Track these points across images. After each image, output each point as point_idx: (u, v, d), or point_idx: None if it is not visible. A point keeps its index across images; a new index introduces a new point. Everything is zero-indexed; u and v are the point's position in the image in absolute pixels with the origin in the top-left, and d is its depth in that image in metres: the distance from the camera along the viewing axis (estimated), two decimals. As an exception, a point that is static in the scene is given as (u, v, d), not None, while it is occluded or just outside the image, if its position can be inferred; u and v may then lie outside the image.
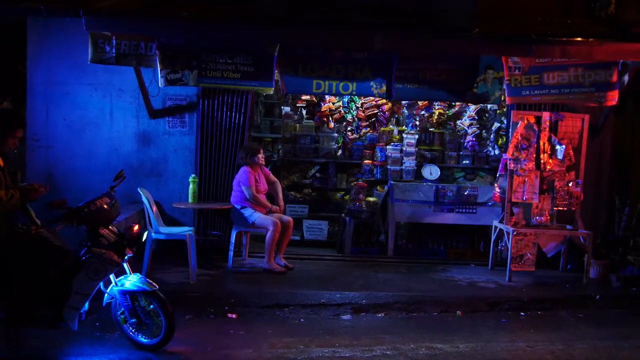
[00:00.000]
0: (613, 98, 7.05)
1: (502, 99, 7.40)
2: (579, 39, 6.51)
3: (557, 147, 7.27)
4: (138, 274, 5.00)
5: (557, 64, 6.95)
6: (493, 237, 7.70)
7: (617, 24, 7.26)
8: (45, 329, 4.87)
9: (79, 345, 5.08)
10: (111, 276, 4.92)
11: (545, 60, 6.93)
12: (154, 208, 6.93)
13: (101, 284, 4.91)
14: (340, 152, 9.00)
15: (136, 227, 5.21)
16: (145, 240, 6.77)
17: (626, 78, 7.17)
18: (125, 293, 4.91)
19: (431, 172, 8.53)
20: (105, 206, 4.91)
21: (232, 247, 7.28)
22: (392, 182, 8.30)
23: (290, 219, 7.46)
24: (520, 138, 7.27)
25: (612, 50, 6.57)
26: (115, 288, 4.94)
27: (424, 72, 7.04)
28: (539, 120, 7.28)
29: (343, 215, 8.35)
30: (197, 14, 6.39)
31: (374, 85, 7.07)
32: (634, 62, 6.91)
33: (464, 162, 8.81)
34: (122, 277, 4.97)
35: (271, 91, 7.07)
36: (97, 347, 5.07)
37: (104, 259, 4.79)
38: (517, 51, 6.56)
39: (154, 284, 4.91)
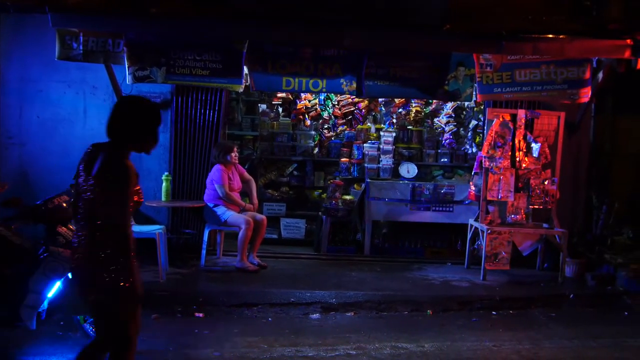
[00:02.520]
0: (586, 95, 7.01)
1: (474, 96, 7.34)
2: (550, 35, 6.44)
3: (533, 145, 7.21)
4: (97, 272, 4.94)
5: (528, 61, 6.90)
6: (469, 236, 7.65)
7: (597, 21, 7.20)
8: (2, 328, 4.82)
9: (39, 344, 5.02)
10: (70, 275, 4.87)
11: (516, 57, 6.89)
12: (125, 206, 6.86)
13: (61, 282, 4.87)
14: (317, 150, 8.95)
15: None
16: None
17: (600, 75, 7.11)
18: (83, 292, 4.86)
19: (408, 170, 8.48)
20: (64, 204, 4.86)
21: (204, 246, 7.23)
22: (368, 180, 8.25)
23: (263, 217, 7.41)
24: (495, 136, 7.21)
25: (584, 47, 6.52)
26: (73, 287, 4.89)
27: (395, 70, 6.98)
28: (514, 118, 7.23)
29: (320, 213, 8.31)
30: (165, 11, 6.33)
31: (344, 83, 7.00)
32: (607, 58, 6.86)
33: (442, 160, 8.76)
34: (81, 275, 4.92)
35: (240, 88, 7.01)
36: (57, 347, 5.02)
37: (61, 258, 4.73)
38: (488, 48, 6.51)
39: (112, 282, 4.85)
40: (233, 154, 7.21)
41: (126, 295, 3.28)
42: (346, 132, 8.98)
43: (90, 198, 3.28)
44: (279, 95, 8.56)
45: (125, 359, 3.39)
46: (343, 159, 8.76)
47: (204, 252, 7.24)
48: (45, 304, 4.84)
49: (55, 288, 4.83)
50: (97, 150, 3.40)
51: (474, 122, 8.63)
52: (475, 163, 7.53)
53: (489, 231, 7.07)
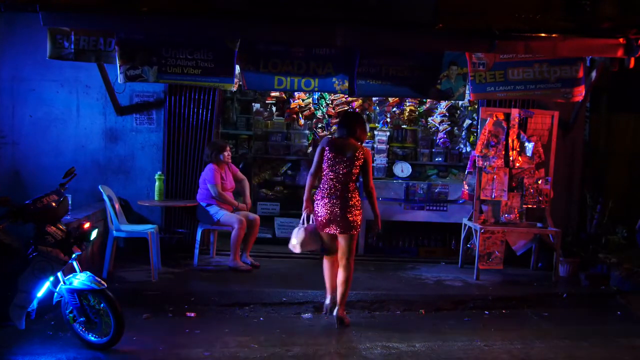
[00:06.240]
0: (579, 94, 6.97)
1: (467, 95, 7.30)
2: (543, 34, 6.42)
3: (526, 144, 7.19)
4: (87, 272, 4.92)
5: (521, 59, 6.86)
6: (462, 235, 7.64)
7: (590, 20, 7.18)
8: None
9: (29, 344, 5.00)
10: (59, 274, 4.85)
11: (509, 56, 6.84)
12: (117, 205, 6.86)
13: (51, 282, 4.86)
14: (311, 149, 8.92)
15: (86, 225, 5.13)
16: (106, 238, 6.73)
17: (594, 74, 7.09)
18: (73, 292, 4.84)
19: (403, 169, 8.45)
20: (53, 204, 4.84)
21: (197, 245, 7.22)
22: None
23: (256, 216, 7.40)
24: (488, 135, 7.20)
25: (576, 45, 6.48)
26: (63, 286, 4.87)
27: (387, 68, 6.92)
28: (508, 117, 7.21)
29: (314, 212, 8.27)
30: (157, 9, 6.30)
31: (336, 82, 6.95)
32: (600, 57, 6.84)
33: (436, 159, 8.73)
34: (71, 275, 4.90)
35: (232, 87, 6.98)
36: (47, 346, 5.00)
37: (50, 257, 4.72)
38: (480, 47, 6.47)
39: (102, 282, 4.84)
40: (226, 153, 7.20)
41: (359, 225, 5.64)
42: (340, 131, 8.92)
43: (345, 170, 5.50)
44: (273, 94, 8.53)
45: (351, 262, 5.62)
46: (337, 158, 8.72)
47: (196, 251, 7.22)
48: (35, 303, 4.84)
49: (44, 288, 4.84)
50: (342, 141, 5.58)
51: (468, 122, 8.61)
52: (469, 162, 7.51)
53: (483, 230, 7.06)
